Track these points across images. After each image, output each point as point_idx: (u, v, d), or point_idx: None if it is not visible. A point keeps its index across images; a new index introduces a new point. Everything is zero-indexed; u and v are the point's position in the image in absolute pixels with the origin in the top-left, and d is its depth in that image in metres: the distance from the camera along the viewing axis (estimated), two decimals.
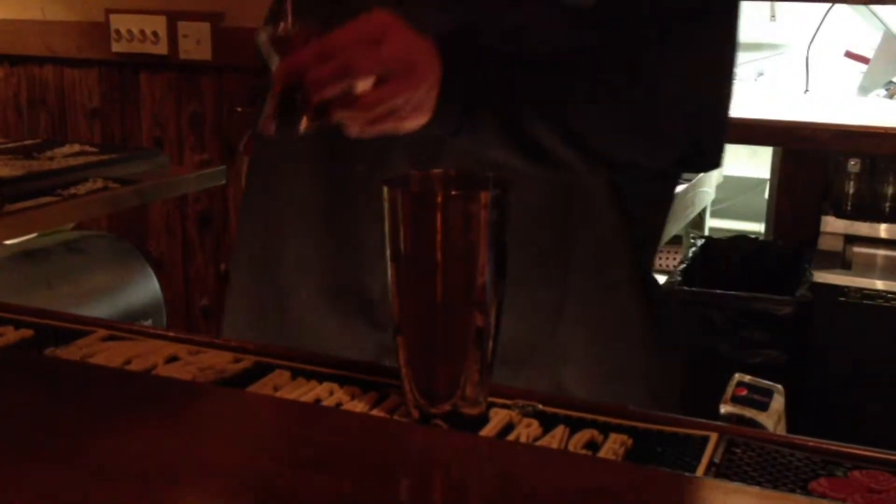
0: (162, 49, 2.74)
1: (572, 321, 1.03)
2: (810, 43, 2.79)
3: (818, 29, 2.77)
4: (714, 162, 1.03)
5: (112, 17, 2.78)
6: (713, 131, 1.02)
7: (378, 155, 0.97)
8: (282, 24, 0.84)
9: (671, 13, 0.96)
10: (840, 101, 2.65)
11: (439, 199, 0.73)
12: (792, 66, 2.94)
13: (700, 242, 2.64)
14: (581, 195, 1.01)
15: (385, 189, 0.74)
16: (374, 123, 0.84)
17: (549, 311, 1.03)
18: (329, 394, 0.82)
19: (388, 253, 0.75)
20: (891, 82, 2.75)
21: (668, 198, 1.18)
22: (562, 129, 0.92)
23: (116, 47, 2.79)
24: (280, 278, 1.09)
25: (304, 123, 0.82)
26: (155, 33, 2.74)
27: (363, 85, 0.82)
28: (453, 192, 0.76)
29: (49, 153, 2.15)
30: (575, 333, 1.04)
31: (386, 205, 0.74)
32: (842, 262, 2.23)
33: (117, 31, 2.78)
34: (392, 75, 0.82)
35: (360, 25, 0.83)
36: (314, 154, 1.03)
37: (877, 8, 2.61)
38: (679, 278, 2.39)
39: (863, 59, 2.80)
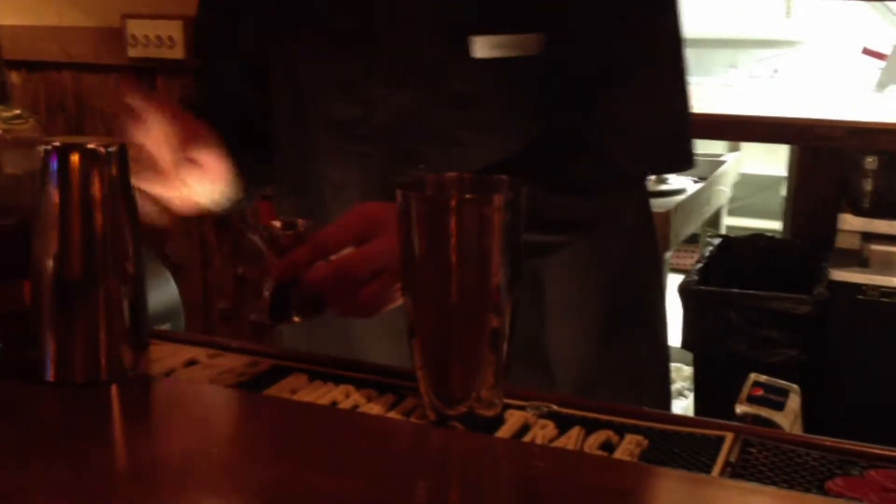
0: (178, 54, 2.75)
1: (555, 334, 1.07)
2: (826, 40, 2.78)
3: (834, 26, 2.76)
4: (683, 167, 1.08)
5: (128, 22, 2.79)
6: (674, 151, 1.07)
7: None
8: (276, 223, 0.90)
9: (622, 63, 1.02)
10: (856, 98, 2.64)
11: (453, 203, 0.74)
12: (808, 63, 2.93)
13: (717, 241, 2.63)
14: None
15: (399, 193, 0.75)
16: (370, 313, 0.90)
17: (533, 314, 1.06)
18: (346, 396, 0.82)
19: (402, 256, 0.76)
20: None
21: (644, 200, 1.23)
22: (538, 222, 0.98)
23: (133, 52, 2.80)
24: None
25: (297, 316, 0.90)
26: (171, 38, 2.75)
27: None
28: (467, 196, 0.77)
29: None
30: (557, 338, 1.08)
31: (400, 208, 0.74)
32: (859, 259, 2.22)
33: (133, 37, 2.79)
34: (385, 268, 0.87)
35: (351, 224, 0.89)
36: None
37: (894, 4, 2.60)
38: (696, 277, 2.38)
39: (880, 56, 2.78)
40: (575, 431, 0.76)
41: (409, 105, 1.03)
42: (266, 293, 0.90)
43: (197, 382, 0.85)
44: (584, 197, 1.02)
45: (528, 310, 1.08)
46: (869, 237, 2.25)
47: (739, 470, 0.70)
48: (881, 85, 2.71)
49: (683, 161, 1.07)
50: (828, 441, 0.74)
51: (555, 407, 0.80)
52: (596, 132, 1.02)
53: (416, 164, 1.02)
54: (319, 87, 1.08)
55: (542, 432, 0.76)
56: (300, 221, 0.91)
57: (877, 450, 0.73)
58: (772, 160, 3.27)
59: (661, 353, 1.23)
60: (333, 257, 0.89)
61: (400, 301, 0.88)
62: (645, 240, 1.22)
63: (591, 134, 1.02)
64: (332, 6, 1.06)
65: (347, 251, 0.89)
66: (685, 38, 1.05)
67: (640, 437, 0.75)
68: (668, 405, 1.29)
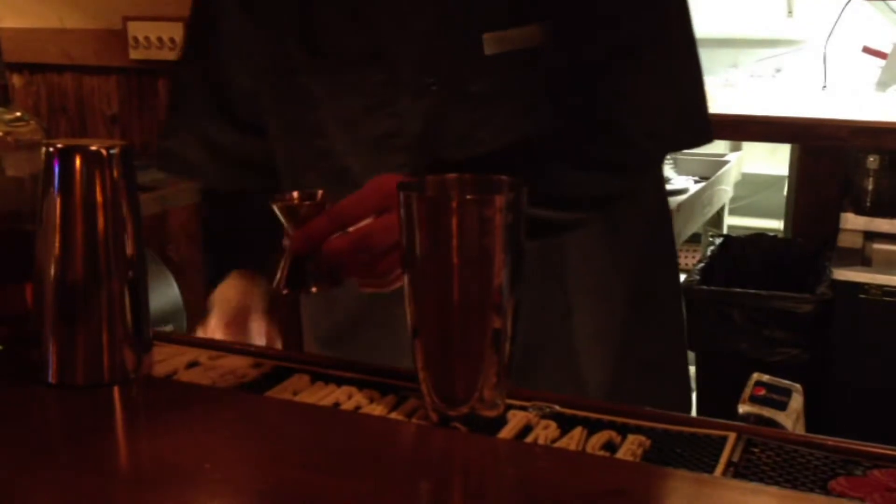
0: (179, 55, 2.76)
1: (579, 331, 1.08)
2: (828, 39, 2.78)
3: (835, 25, 2.76)
4: (702, 141, 1.09)
5: (129, 24, 2.79)
6: (692, 124, 1.08)
7: None
8: (295, 194, 0.90)
9: (631, 45, 1.02)
10: (858, 97, 2.64)
11: (454, 204, 0.74)
12: (809, 62, 2.93)
13: (719, 241, 2.63)
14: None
15: (400, 193, 0.75)
16: (388, 284, 0.90)
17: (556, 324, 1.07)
18: (348, 397, 0.82)
19: (404, 257, 0.76)
20: None
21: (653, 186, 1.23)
22: (557, 201, 0.99)
23: (134, 54, 2.81)
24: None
25: (315, 287, 0.90)
26: (172, 39, 2.75)
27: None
28: (468, 197, 0.77)
29: None
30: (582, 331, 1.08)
31: (401, 209, 0.74)
32: (862, 258, 2.22)
33: (135, 38, 2.80)
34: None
35: (369, 196, 0.89)
36: None
37: (894, 3, 2.60)
38: (698, 277, 2.38)
39: (881, 55, 2.78)
40: (577, 432, 0.76)
41: (434, 111, 1.04)
42: (284, 264, 0.90)
43: (199, 384, 0.85)
44: (601, 174, 1.03)
45: (552, 300, 1.09)
46: (871, 236, 2.25)
47: (742, 470, 0.70)
48: (882, 84, 2.71)
49: (700, 135, 1.07)
50: (830, 441, 0.74)
51: (557, 407, 0.80)
52: (611, 113, 1.02)
53: (446, 169, 1.03)
54: (345, 114, 1.08)
55: (545, 433, 0.76)
56: (319, 193, 0.90)
57: (880, 449, 0.72)
58: (773, 159, 3.27)
59: (681, 342, 1.25)
60: (351, 229, 0.89)
61: None
62: (662, 227, 1.23)
63: (606, 114, 1.02)
64: (341, 33, 1.06)
65: (366, 223, 0.89)
66: (692, 20, 1.05)
67: (642, 438, 0.75)
68: (688, 397, 1.29)
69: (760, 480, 0.69)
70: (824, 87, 2.77)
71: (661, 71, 1.04)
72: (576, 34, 1.01)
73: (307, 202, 0.90)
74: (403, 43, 1.04)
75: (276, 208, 0.90)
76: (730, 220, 3.19)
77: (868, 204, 2.31)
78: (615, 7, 1.02)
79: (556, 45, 1.00)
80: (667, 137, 1.07)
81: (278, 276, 0.90)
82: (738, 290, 2.29)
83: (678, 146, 1.21)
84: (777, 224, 3.04)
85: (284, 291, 0.90)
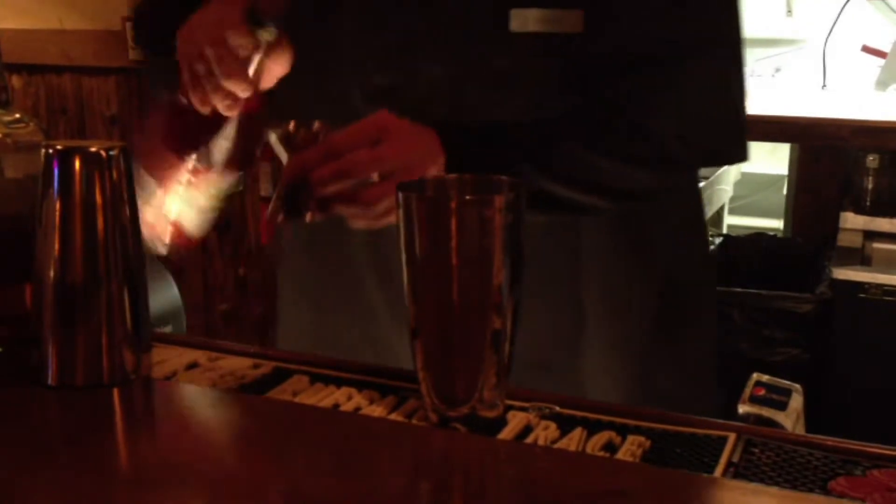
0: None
1: (591, 338, 1.05)
2: (827, 38, 2.77)
3: (835, 24, 2.76)
4: (737, 160, 1.05)
5: (129, 24, 2.79)
6: (730, 141, 1.03)
7: None
8: (291, 124, 0.91)
9: (669, 44, 0.98)
10: (858, 96, 2.63)
11: (454, 204, 0.74)
12: (809, 61, 2.93)
13: (719, 240, 2.63)
14: (592, 217, 1.04)
15: (399, 194, 0.74)
16: (376, 217, 0.89)
17: (567, 330, 1.05)
18: (347, 398, 0.82)
19: (403, 257, 0.76)
20: None
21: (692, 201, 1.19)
22: (568, 181, 0.96)
23: (133, 55, 2.80)
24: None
25: (309, 216, 0.90)
26: None
27: (369, 181, 0.88)
28: (468, 197, 0.77)
29: None
30: (593, 349, 1.05)
31: (401, 210, 0.74)
32: (862, 258, 2.22)
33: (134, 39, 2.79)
34: (392, 173, 0.87)
35: (361, 127, 0.89)
36: None
37: (893, 2, 2.60)
38: None
39: (880, 54, 2.78)
40: (577, 433, 0.76)
41: (445, 79, 1.01)
42: (279, 191, 0.90)
43: (198, 385, 0.85)
44: (625, 166, 0.99)
45: (562, 312, 1.06)
46: (871, 235, 2.25)
47: (742, 470, 0.70)
48: (881, 83, 2.71)
49: (736, 151, 1.04)
50: (830, 441, 0.74)
51: (557, 408, 0.80)
52: (645, 110, 0.99)
53: (457, 132, 0.98)
54: (360, 57, 1.05)
55: (545, 434, 0.76)
56: (317, 123, 0.91)
57: (880, 449, 0.72)
58: (773, 159, 3.26)
59: (711, 362, 1.18)
60: None
61: None
62: (695, 238, 1.18)
63: (639, 110, 0.99)
64: None
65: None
66: (744, 27, 1.02)
67: (641, 438, 0.75)
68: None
69: (760, 481, 0.69)
70: (824, 86, 2.77)
71: (704, 77, 0.99)
72: (618, 25, 0.97)
73: (302, 129, 0.90)
74: (426, 6, 1.01)
75: (272, 138, 0.90)
76: (729, 220, 3.19)
77: (868, 203, 2.31)
78: (658, 6, 0.98)
79: (594, 32, 0.96)
80: (699, 146, 1.02)
81: (273, 204, 0.90)
82: (738, 289, 2.28)
83: (711, 158, 1.13)
84: (777, 223, 3.04)
85: (279, 219, 0.90)
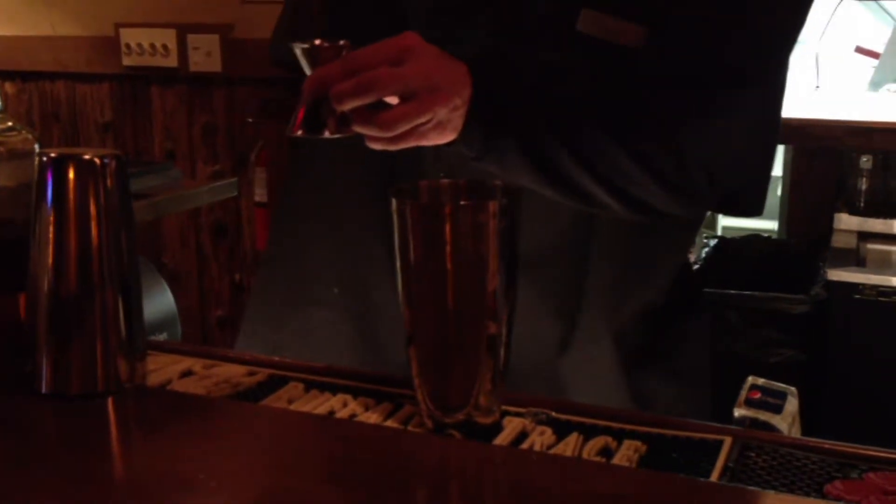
0: (172, 62, 2.76)
1: (577, 357, 1.04)
2: (820, 39, 2.78)
3: (828, 24, 2.76)
4: (752, 212, 1.02)
5: (122, 31, 2.79)
6: (751, 187, 1.01)
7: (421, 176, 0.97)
8: (318, 40, 0.88)
9: (721, 75, 0.96)
10: (851, 97, 2.64)
11: (448, 210, 0.74)
12: (802, 62, 2.93)
13: (713, 242, 2.63)
14: (598, 232, 1.02)
15: (393, 200, 0.74)
16: (394, 139, 0.86)
17: (553, 345, 1.04)
18: (343, 405, 0.82)
19: (398, 264, 0.76)
20: None
21: (688, 240, 1.18)
22: (586, 164, 0.93)
23: (127, 61, 2.80)
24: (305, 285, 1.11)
25: (327, 132, 0.87)
26: (165, 46, 2.75)
27: (392, 101, 0.85)
28: (462, 203, 0.77)
29: None
30: (578, 368, 1.04)
31: (395, 216, 0.74)
32: (856, 259, 2.22)
33: (127, 45, 2.79)
34: (414, 94, 0.84)
35: (386, 45, 0.86)
36: (366, 172, 1.05)
37: (886, 2, 2.61)
38: None
39: (873, 54, 2.78)
40: (573, 438, 0.76)
41: (492, 49, 0.98)
42: (299, 106, 0.88)
43: (193, 393, 0.85)
44: (650, 177, 0.96)
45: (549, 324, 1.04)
46: (865, 236, 2.25)
47: (738, 474, 0.70)
48: (875, 84, 2.71)
49: (754, 203, 1.01)
50: (826, 444, 0.74)
51: (553, 413, 0.80)
52: (678, 135, 0.96)
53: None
54: (414, 11, 1.02)
55: (541, 439, 0.76)
56: (342, 42, 0.89)
57: (875, 452, 0.72)
58: None
59: (705, 370, 1.16)
60: None
61: (433, 138, 0.87)
62: (686, 241, 1.18)
63: (673, 130, 0.96)
64: None
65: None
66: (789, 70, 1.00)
67: (638, 443, 0.75)
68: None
69: (757, 484, 0.69)
70: (817, 87, 2.77)
71: (744, 113, 0.97)
72: (677, 45, 0.95)
73: (326, 45, 0.88)
74: None
75: (297, 50, 0.89)
76: (724, 222, 3.19)
77: (862, 204, 2.31)
78: (720, 33, 0.96)
79: (653, 50, 0.95)
80: (722, 184, 0.99)
81: (293, 118, 0.88)
82: (733, 291, 2.28)
83: (728, 202, 1.07)
84: (771, 225, 3.04)
85: (298, 133, 0.88)
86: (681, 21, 0.95)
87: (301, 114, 0.87)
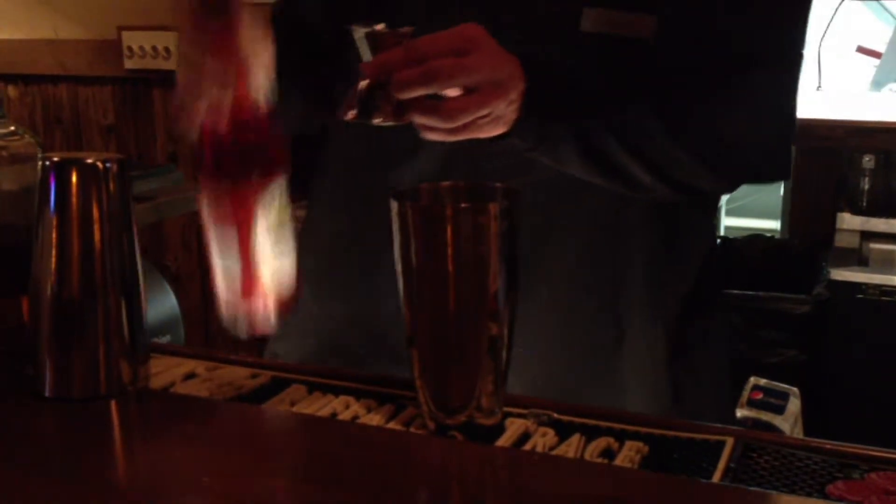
0: (174, 64, 2.75)
1: (629, 354, 1.04)
2: (821, 39, 2.78)
3: (829, 24, 2.76)
4: (780, 177, 1.05)
5: (124, 34, 2.80)
6: (778, 154, 1.03)
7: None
8: (381, 24, 0.87)
9: (737, 59, 0.96)
10: (853, 97, 2.64)
11: (449, 212, 0.74)
12: (804, 62, 2.93)
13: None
14: (628, 231, 1.03)
15: (394, 203, 0.74)
16: (453, 131, 0.85)
17: (607, 346, 1.04)
18: (345, 407, 0.82)
19: (399, 266, 0.76)
20: None
21: (709, 226, 1.20)
22: (633, 150, 0.94)
23: (129, 64, 2.81)
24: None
25: (380, 118, 0.86)
26: (167, 49, 2.75)
27: (450, 93, 0.84)
28: (463, 205, 0.77)
29: None
30: (632, 366, 1.04)
31: (396, 218, 0.74)
32: (858, 258, 2.22)
33: (129, 48, 2.80)
34: (477, 87, 0.84)
35: (450, 35, 0.85)
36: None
37: (888, 2, 2.60)
38: None
39: (875, 54, 2.78)
40: (575, 439, 0.76)
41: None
42: (355, 89, 0.87)
43: (196, 396, 0.85)
44: (686, 156, 0.97)
45: (602, 324, 1.04)
46: (867, 236, 2.25)
47: (740, 475, 0.70)
48: (876, 84, 2.71)
49: (777, 172, 1.04)
50: (828, 444, 0.74)
51: (555, 415, 0.80)
52: (695, 120, 0.97)
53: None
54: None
55: (543, 440, 0.76)
56: (405, 28, 0.87)
57: (877, 452, 0.72)
58: None
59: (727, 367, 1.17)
60: None
61: (488, 131, 0.87)
62: (710, 238, 1.19)
63: (707, 115, 0.97)
64: None
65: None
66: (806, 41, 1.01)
67: (640, 444, 0.75)
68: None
69: (759, 485, 0.69)
70: (819, 87, 2.77)
71: (764, 90, 0.98)
72: (690, 31, 0.95)
73: (389, 31, 0.87)
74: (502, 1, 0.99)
75: (357, 34, 0.88)
76: (726, 221, 3.20)
77: (864, 204, 2.31)
78: (732, 16, 0.97)
79: (665, 39, 0.95)
80: (739, 169, 1.02)
81: (345, 101, 0.87)
82: (736, 291, 2.28)
83: (756, 178, 1.10)
84: (773, 225, 3.04)
85: (350, 116, 0.87)
86: (689, 5, 0.96)
87: (356, 96, 0.86)
